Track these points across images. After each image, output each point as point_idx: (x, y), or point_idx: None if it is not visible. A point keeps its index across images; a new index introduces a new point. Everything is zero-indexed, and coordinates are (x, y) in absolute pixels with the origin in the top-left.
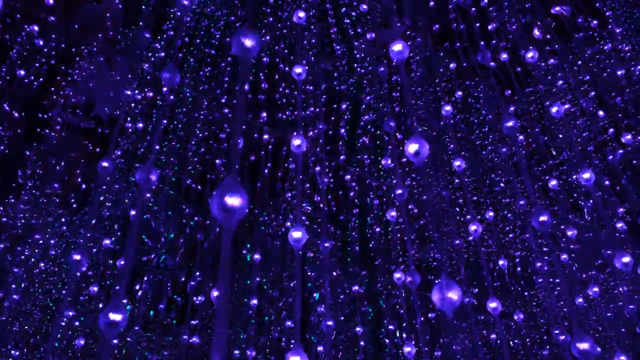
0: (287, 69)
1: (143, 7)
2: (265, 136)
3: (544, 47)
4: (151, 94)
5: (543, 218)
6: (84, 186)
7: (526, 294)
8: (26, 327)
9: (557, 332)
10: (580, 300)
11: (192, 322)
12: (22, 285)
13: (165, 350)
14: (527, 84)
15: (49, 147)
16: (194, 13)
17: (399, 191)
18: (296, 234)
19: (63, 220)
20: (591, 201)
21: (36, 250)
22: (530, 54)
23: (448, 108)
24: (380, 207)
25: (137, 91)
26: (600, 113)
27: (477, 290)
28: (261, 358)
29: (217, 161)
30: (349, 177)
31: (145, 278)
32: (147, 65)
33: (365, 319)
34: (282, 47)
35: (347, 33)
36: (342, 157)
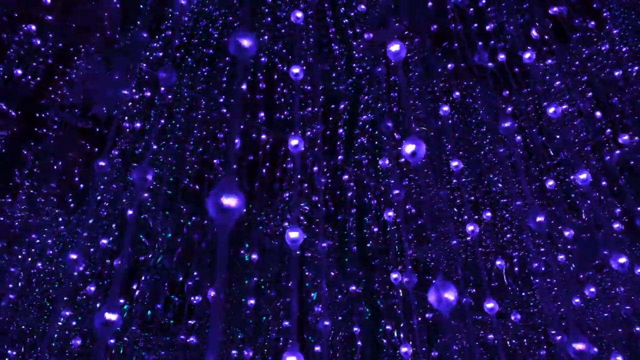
0: (285, 68)
1: (141, 6)
2: (263, 136)
3: (541, 47)
4: (149, 94)
5: (540, 218)
6: (81, 186)
7: (523, 294)
8: (23, 327)
9: (554, 332)
10: (577, 300)
11: (190, 322)
12: (19, 284)
13: (162, 350)
14: (525, 84)
15: (46, 147)
16: (192, 13)
17: (396, 191)
18: (293, 234)
19: (60, 219)
20: (588, 202)
21: (33, 250)
22: (527, 55)
23: (446, 108)
24: (378, 207)
25: (134, 91)
26: (598, 114)
27: (474, 290)
28: (259, 358)
29: (215, 161)
30: (346, 177)
31: (143, 278)
32: (144, 64)
33: (362, 319)
34: (280, 47)
35: (345, 33)
36: (340, 157)
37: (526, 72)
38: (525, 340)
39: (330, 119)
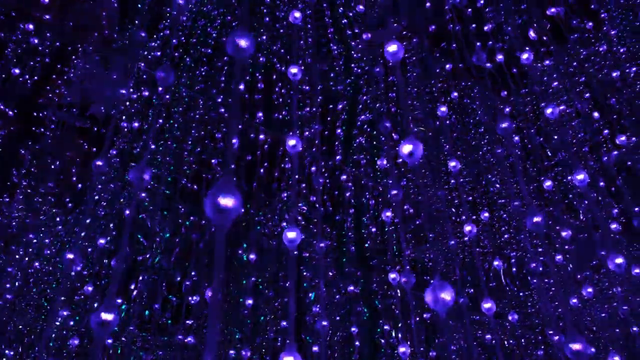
0: (283, 68)
1: (139, 5)
2: (262, 136)
3: (539, 48)
4: (147, 93)
5: (537, 219)
6: (79, 185)
7: (521, 294)
8: (20, 327)
9: (551, 332)
10: (575, 300)
11: (187, 322)
12: (17, 284)
13: (160, 350)
14: (522, 85)
15: (44, 146)
16: (190, 12)
17: (394, 192)
18: (290, 234)
19: (58, 219)
20: (586, 202)
21: (30, 250)
22: (525, 55)
23: (444, 109)
24: (376, 207)
25: (132, 90)
26: (596, 114)
27: (472, 290)
28: (257, 358)
29: (213, 161)
30: (344, 177)
31: (141, 278)
32: (142, 64)
33: (360, 319)
34: (279, 47)
35: (344, 33)
36: (338, 157)
37: (524, 72)
38: (522, 340)
39: (329, 119)
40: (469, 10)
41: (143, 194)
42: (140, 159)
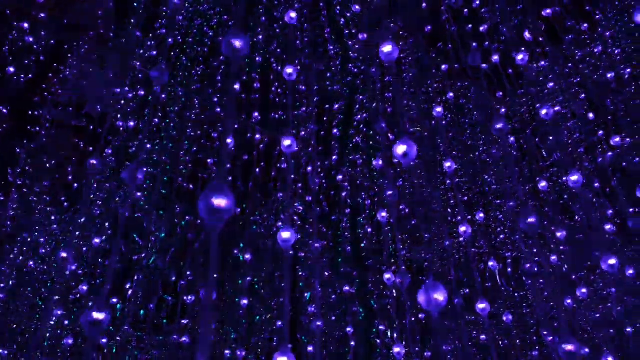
0: (280, 68)
1: (135, 5)
2: (258, 136)
3: (535, 49)
4: (142, 93)
5: (531, 220)
6: (74, 184)
7: (516, 295)
8: (15, 326)
9: (545, 333)
10: (570, 301)
11: (183, 321)
12: (11, 283)
13: (155, 349)
14: (518, 85)
15: (39, 145)
16: (186, 12)
17: (390, 192)
18: (285, 234)
19: (53, 218)
20: (581, 202)
21: (25, 249)
22: (521, 56)
23: (439, 109)
24: (372, 207)
25: (128, 89)
26: (591, 115)
27: (467, 291)
28: (252, 358)
29: (209, 160)
30: (340, 177)
31: (136, 277)
32: (138, 63)
33: (356, 319)
34: (275, 47)
35: (340, 33)
36: (334, 157)
37: (520, 73)
38: (517, 340)
39: (325, 119)
40: (465, 10)
41: (139, 194)
42: (135, 158)
